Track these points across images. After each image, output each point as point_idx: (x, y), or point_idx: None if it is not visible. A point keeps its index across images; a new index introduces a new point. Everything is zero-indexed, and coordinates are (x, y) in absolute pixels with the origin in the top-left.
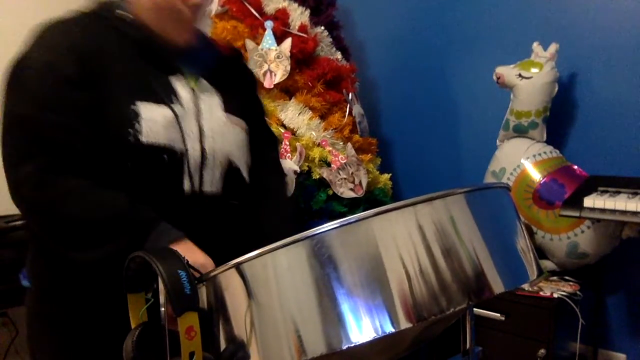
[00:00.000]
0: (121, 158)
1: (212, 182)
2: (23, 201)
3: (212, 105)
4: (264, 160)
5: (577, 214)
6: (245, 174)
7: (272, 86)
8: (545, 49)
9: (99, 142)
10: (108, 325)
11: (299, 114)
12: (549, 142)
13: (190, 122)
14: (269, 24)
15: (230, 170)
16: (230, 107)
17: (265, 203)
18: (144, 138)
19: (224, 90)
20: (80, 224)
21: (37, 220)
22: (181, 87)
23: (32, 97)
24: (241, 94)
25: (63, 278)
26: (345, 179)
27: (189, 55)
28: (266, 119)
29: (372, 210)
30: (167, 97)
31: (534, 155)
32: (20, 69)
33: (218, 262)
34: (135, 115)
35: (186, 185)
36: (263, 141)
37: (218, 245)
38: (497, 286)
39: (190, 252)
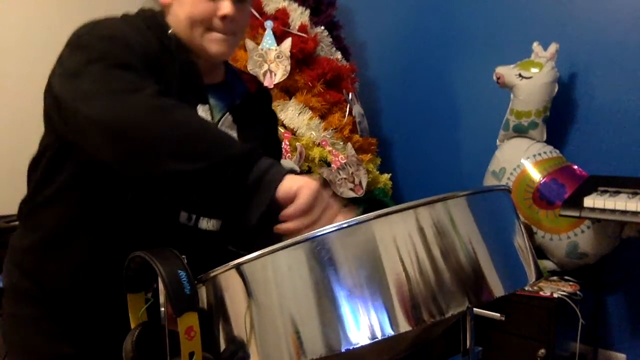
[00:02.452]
0: (123, 188)
1: (208, 219)
2: (121, 115)
3: None
4: None
5: (577, 214)
6: None
7: (272, 86)
8: (545, 49)
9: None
10: (107, 325)
11: (299, 114)
12: (549, 142)
13: None
14: (269, 24)
15: None
16: None
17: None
18: None
19: (245, 129)
20: (188, 132)
21: (135, 128)
22: (205, 118)
23: (122, 43)
24: (261, 134)
25: (46, 279)
26: (345, 179)
27: (219, 88)
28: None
29: (373, 212)
30: None
31: (534, 155)
32: (84, 35)
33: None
34: None
35: (182, 217)
36: None
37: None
38: (497, 289)
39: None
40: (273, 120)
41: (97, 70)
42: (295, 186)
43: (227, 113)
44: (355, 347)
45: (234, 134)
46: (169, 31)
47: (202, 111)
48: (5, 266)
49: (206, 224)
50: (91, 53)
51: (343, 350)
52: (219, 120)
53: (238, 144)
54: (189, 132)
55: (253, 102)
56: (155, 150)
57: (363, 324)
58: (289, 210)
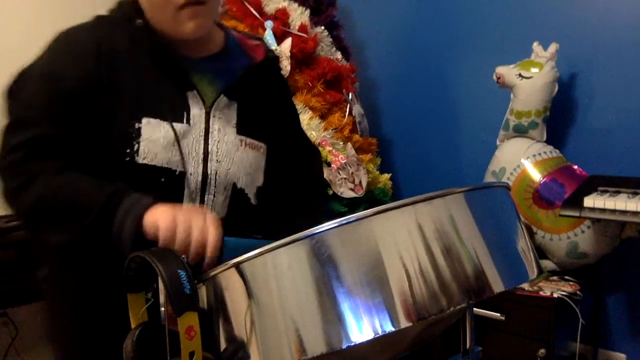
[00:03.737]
0: (116, 176)
1: (213, 206)
2: (3, 191)
3: (225, 125)
4: (299, 177)
5: (577, 214)
6: (252, 197)
7: None
8: (545, 49)
9: (97, 156)
10: (107, 326)
11: (299, 114)
12: (549, 142)
13: (196, 142)
14: (269, 24)
15: (235, 194)
16: (248, 126)
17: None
18: (139, 158)
19: (247, 104)
20: (43, 206)
21: (13, 209)
22: (195, 104)
23: (25, 104)
24: (268, 106)
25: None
26: (345, 179)
27: (209, 66)
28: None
29: (372, 209)
30: (176, 114)
31: (534, 155)
32: (22, 77)
33: None
34: (137, 134)
35: None
36: (296, 156)
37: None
38: (497, 285)
39: (163, 213)
40: (283, 89)
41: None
42: (152, 222)
43: (222, 95)
44: (355, 344)
45: (232, 112)
46: (137, 21)
47: (192, 97)
48: None
49: (211, 210)
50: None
51: (344, 347)
52: (211, 105)
53: (94, 203)
54: (47, 207)
55: (257, 75)
56: (37, 228)
57: (363, 320)
58: (160, 243)
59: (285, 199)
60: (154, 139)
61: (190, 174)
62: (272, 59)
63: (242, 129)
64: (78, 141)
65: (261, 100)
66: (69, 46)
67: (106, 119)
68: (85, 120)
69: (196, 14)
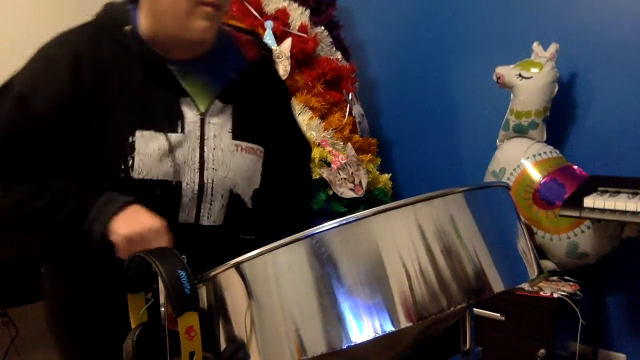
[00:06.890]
0: (112, 191)
1: (210, 214)
2: None
3: (220, 130)
4: (289, 178)
5: (577, 214)
6: (248, 202)
7: None
8: (545, 49)
9: (92, 173)
10: (107, 326)
11: (299, 114)
12: (549, 142)
13: (192, 150)
14: (269, 24)
15: (232, 200)
16: (244, 130)
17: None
18: (134, 174)
19: (242, 106)
20: (16, 213)
21: None
22: (189, 111)
23: None
24: (263, 106)
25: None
26: (345, 179)
27: (202, 67)
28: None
29: (372, 209)
30: (170, 123)
31: (534, 155)
32: (4, 90)
33: None
34: (131, 150)
35: (181, 217)
36: (289, 153)
37: None
38: (497, 285)
39: (138, 216)
40: (281, 92)
41: None
42: (114, 235)
43: (216, 100)
44: (355, 344)
45: (227, 117)
46: (126, 28)
47: (185, 103)
48: None
49: (207, 219)
50: None
51: (344, 347)
52: (205, 111)
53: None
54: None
55: (253, 76)
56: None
57: (363, 320)
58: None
59: (275, 201)
60: (148, 152)
61: (187, 184)
62: (266, 57)
63: (238, 133)
64: (47, 161)
65: (256, 101)
66: (47, 66)
67: (95, 137)
68: (61, 140)
69: (210, 16)
